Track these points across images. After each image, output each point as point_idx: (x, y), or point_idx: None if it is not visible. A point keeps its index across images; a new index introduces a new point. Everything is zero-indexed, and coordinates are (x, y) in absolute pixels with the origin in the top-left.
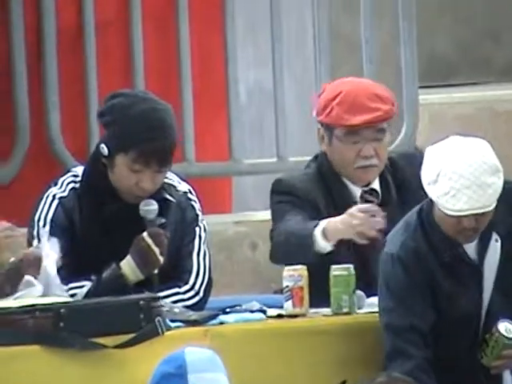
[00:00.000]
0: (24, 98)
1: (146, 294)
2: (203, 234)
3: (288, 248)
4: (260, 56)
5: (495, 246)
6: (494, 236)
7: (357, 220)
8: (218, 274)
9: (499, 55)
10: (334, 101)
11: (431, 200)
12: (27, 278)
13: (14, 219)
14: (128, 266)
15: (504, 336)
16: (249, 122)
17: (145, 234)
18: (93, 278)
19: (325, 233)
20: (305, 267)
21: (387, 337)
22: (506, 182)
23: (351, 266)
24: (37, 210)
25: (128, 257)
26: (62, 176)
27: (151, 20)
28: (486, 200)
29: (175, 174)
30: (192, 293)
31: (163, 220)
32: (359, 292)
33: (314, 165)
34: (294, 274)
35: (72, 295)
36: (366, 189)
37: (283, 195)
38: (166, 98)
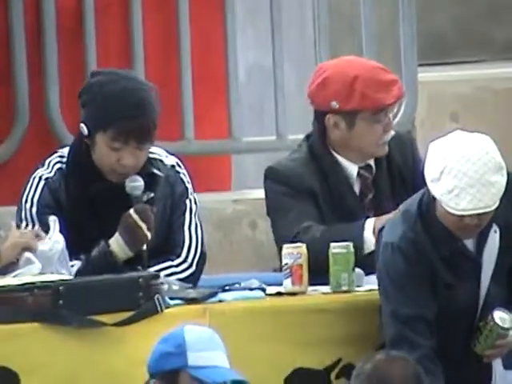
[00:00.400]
0: (23, 77)
1: (145, 272)
2: (194, 207)
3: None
4: (259, 36)
5: (494, 237)
6: (494, 227)
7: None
8: (216, 253)
9: (498, 34)
10: (357, 85)
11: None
12: (27, 255)
13: (12, 197)
14: (116, 243)
15: (498, 325)
16: (248, 100)
17: (131, 210)
18: (82, 256)
19: (375, 231)
20: (304, 245)
21: (392, 324)
22: (508, 174)
23: (350, 244)
24: (24, 192)
25: (116, 234)
26: (48, 157)
27: (151, 3)
28: (489, 199)
29: (162, 148)
30: (185, 265)
31: (152, 194)
32: (358, 270)
33: (304, 145)
34: (294, 252)
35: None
36: (362, 165)
37: (279, 185)
38: (165, 78)
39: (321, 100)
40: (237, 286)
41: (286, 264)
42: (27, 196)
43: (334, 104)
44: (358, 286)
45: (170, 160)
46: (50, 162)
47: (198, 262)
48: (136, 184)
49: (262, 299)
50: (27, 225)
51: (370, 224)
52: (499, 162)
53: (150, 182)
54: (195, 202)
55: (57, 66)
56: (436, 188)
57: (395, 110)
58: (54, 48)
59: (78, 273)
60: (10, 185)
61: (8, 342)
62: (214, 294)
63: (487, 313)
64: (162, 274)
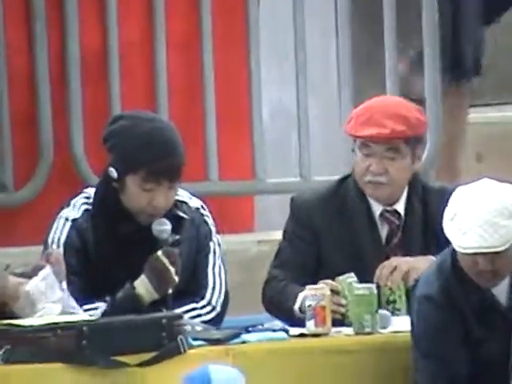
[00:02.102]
0: (47, 118)
1: (169, 313)
2: (217, 249)
3: (273, 311)
4: (283, 76)
5: None
6: None
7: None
8: (240, 294)
9: None
10: (357, 112)
11: None
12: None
13: (38, 237)
14: (143, 285)
15: None
16: (272, 141)
17: (159, 253)
18: (107, 299)
19: (301, 309)
20: (327, 287)
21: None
22: None
23: (373, 286)
24: (50, 232)
25: (142, 276)
26: (74, 197)
27: (175, 41)
28: (496, 240)
29: (186, 190)
30: (209, 308)
31: (177, 237)
32: (384, 311)
33: (336, 183)
34: (317, 294)
35: None
36: (388, 208)
37: (289, 219)
38: (189, 118)
39: None
40: (260, 327)
41: (310, 305)
42: (53, 237)
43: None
44: (383, 328)
45: (195, 202)
46: (76, 203)
47: (222, 304)
48: (164, 227)
49: (285, 340)
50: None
51: (300, 297)
52: None
53: (176, 224)
54: (219, 244)
55: (81, 106)
56: (449, 228)
57: (412, 161)
58: (78, 88)
59: (103, 315)
60: (34, 225)
61: (32, 382)
62: (237, 335)
63: None
64: (187, 316)
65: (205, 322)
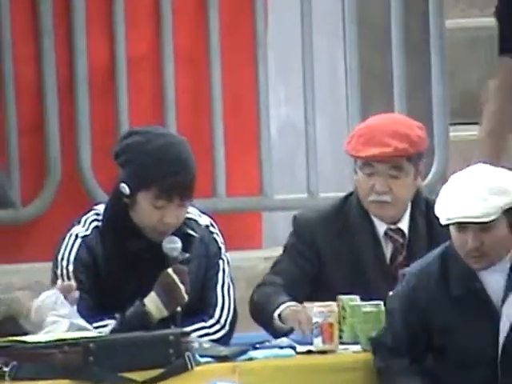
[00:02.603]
0: (55, 134)
1: (176, 329)
2: (227, 267)
3: (255, 315)
4: (291, 92)
5: None
6: None
7: (303, 320)
8: (246, 310)
9: None
10: (357, 132)
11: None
12: (52, 318)
13: (45, 254)
14: (152, 302)
15: None
16: (279, 157)
17: (170, 270)
18: (116, 316)
19: (281, 317)
20: (334, 303)
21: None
22: None
23: (381, 303)
24: (60, 249)
25: (152, 293)
26: (84, 214)
27: (183, 57)
28: (478, 211)
29: (195, 207)
30: (218, 326)
31: (187, 255)
32: None
33: (339, 202)
34: (324, 311)
35: None
36: (392, 227)
37: (291, 235)
38: (197, 134)
39: None
40: (267, 343)
41: (317, 322)
42: (63, 254)
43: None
44: None
45: (204, 220)
46: (86, 220)
47: (230, 323)
48: (174, 246)
49: (293, 357)
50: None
51: (284, 306)
52: (503, 187)
53: (186, 242)
54: (228, 263)
55: (88, 121)
56: (438, 205)
57: (415, 178)
58: (86, 103)
59: (112, 332)
60: (43, 241)
61: None
62: (245, 352)
63: (509, 361)
64: (195, 334)
65: (213, 341)
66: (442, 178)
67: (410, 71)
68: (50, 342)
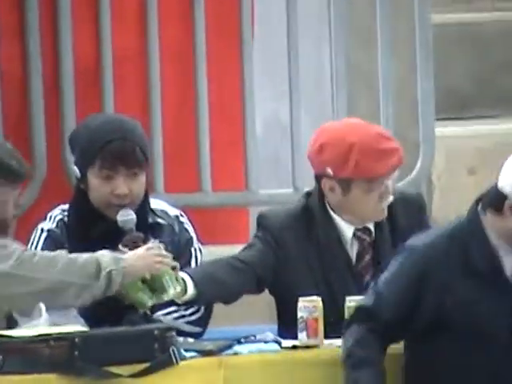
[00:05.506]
0: (41, 130)
1: (161, 324)
2: (199, 255)
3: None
4: (277, 89)
5: None
6: None
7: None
8: (232, 305)
9: None
10: (353, 154)
11: (476, 210)
12: (40, 305)
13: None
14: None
15: None
16: (265, 153)
17: (120, 246)
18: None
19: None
20: (319, 299)
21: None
22: None
23: (365, 297)
24: (27, 244)
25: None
26: (50, 211)
27: (169, 53)
28: None
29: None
30: (192, 309)
31: (141, 235)
32: None
33: (303, 200)
34: (309, 306)
35: None
36: (359, 227)
37: (261, 230)
38: (183, 128)
39: (317, 164)
40: (252, 338)
41: (302, 317)
42: (30, 248)
43: (329, 171)
44: None
45: (174, 211)
46: (51, 215)
47: (205, 307)
48: (128, 218)
49: (278, 352)
50: None
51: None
52: None
53: (155, 230)
54: (200, 251)
55: (75, 118)
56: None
57: (396, 175)
58: (72, 100)
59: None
60: (27, 236)
61: None
62: (229, 347)
63: None
64: (171, 317)
65: (189, 323)
66: (427, 174)
67: (396, 68)
68: (36, 336)
